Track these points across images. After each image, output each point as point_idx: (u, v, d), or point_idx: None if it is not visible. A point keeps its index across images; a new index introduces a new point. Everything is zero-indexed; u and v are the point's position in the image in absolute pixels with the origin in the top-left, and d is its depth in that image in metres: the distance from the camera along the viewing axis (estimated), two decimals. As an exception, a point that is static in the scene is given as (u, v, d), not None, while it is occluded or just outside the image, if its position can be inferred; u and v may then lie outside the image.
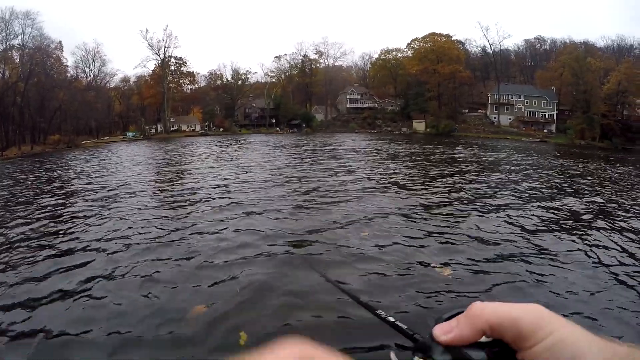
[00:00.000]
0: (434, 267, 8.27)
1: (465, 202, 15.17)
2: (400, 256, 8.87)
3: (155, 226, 11.60)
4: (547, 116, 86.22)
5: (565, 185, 21.59)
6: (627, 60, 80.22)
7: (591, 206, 15.66)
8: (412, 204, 14.50)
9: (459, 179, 21.70)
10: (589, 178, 25.33)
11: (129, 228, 11.62)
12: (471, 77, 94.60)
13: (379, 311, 0.84)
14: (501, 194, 17.12)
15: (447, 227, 11.40)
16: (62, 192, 19.90)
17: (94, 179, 23.98)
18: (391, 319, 0.81)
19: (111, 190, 18.86)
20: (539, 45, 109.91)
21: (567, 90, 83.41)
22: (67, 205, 16.01)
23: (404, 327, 0.76)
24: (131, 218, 12.81)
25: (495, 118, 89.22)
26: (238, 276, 7.70)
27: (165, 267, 8.37)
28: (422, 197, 15.95)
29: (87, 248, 9.97)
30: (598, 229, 11.98)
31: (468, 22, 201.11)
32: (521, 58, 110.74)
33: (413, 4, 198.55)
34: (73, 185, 22.18)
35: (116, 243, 10.21)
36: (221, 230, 11.02)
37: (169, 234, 10.82)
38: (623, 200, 17.50)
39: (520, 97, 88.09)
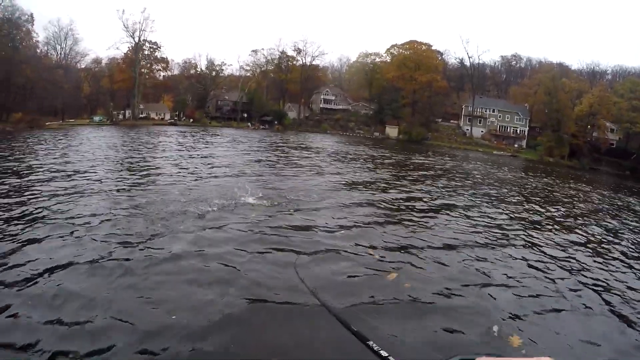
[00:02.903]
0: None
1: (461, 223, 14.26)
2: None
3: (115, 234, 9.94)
4: (518, 131, 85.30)
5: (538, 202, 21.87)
6: (601, 84, 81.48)
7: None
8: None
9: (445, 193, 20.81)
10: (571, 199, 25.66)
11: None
12: (447, 88, 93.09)
13: (370, 342, 0.79)
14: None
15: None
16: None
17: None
18: (384, 353, 0.77)
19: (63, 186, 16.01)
20: (515, 62, 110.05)
21: (540, 108, 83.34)
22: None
23: None
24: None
25: (467, 129, 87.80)
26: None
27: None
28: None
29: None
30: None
31: (447, 33, 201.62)
32: (496, 73, 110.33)
33: (394, 11, 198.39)
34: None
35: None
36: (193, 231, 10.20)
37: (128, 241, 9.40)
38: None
39: (493, 111, 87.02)
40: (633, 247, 14.42)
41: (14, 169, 19.56)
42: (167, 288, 7.15)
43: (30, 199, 12.98)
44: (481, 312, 7.29)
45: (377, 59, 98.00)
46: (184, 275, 7.69)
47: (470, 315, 7.10)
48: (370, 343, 0.87)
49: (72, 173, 18.28)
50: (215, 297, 6.89)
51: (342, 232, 11.25)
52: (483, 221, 14.87)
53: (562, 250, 12.35)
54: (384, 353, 0.81)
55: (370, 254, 9.48)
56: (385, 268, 8.69)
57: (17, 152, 26.70)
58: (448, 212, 15.74)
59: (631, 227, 18.74)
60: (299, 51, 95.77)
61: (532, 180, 35.18)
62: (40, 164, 20.97)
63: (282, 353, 5.57)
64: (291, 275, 7.66)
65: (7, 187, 15.10)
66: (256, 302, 6.78)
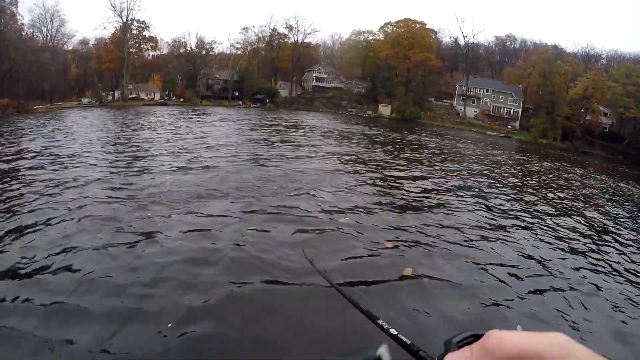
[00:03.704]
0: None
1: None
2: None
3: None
4: (512, 112, 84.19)
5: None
6: (596, 68, 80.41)
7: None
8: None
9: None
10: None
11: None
12: (441, 67, 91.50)
13: (380, 321, 0.81)
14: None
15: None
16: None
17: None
18: (394, 332, 0.79)
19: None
20: (509, 43, 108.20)
21: (534, 90, 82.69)
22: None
23: (408, 341, 0.74)
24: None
25: (461, 109, 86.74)
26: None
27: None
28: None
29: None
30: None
31: (442, 12, 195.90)
32: (490, 53, 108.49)
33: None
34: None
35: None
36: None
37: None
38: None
39: (487, 91, 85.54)
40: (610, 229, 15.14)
41: (3, 154, 19.64)
42: (167, 266, 7.50)
43: (18, 183, 13.31)
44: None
45: (370, 37, 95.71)
46: (186, 252, 8.08)
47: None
48: (380, 322, 0.87)
49: (60, 157, 18.50)
50: (220, 272, 7.32)
51: (341, 210, 11.53)
52: (476, 204, 15.35)
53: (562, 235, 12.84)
54: (393, 331, 0.83)
55: (386, 246, 9.48)
56: (399, 258, 8.77)
57: (5, 138, 26.41)
58: (440, 193, 16.18)
59: (610, 209, 19.42)
60: (290, 28, 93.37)
61: (526, 162, 35.68)
62: (29, 149, 21.18)
63: (292, 332, 5.78)
64: (298, 255, 7.91)
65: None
66: (263, 279, 7.08)
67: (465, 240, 10.42)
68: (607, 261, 11.06)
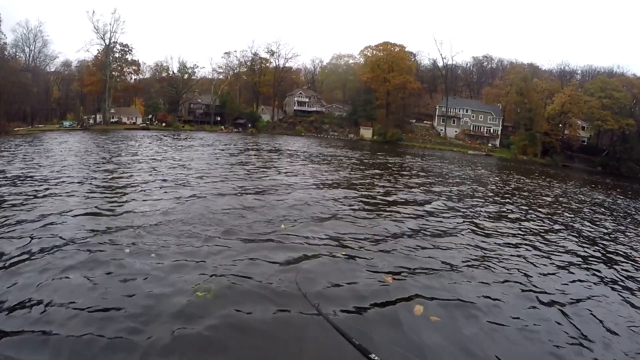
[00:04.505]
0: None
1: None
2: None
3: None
4: (492, 131, 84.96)
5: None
6: (572, 84, 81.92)
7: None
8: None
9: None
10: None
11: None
12: (420, 89, 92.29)
13: (372, 355, 0.82)
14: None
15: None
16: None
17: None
18: None
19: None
20: (486, 63, 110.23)
21: (512, 107, 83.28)
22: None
23: None
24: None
25: (442, 129, 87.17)
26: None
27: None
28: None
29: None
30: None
31: (421, 34, 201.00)
32: (468, 74, 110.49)
33: (367, 11, 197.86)
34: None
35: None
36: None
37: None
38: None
39: (467, 111, 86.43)
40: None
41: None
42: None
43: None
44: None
45: (351, 61, 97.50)
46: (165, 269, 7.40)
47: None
48: (372, 356, 0.85)
49: (34, 179, 17.16)
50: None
51: (334, 239, 10.39)
52: (468, 224, 14.24)
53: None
54: None
55: (386, 280, 8.25)
56: (398, 289, 7.73)
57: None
58: (430, 214, 14.84)
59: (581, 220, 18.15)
60: (272, 53, 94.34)
61: (508, 178, 34.84)
62: (4, 170, 19.46)
63: None
64: (289, 284, 7.23)
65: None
66: (251, 309, 6.40)
67: (464, 267, 9.48)
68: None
